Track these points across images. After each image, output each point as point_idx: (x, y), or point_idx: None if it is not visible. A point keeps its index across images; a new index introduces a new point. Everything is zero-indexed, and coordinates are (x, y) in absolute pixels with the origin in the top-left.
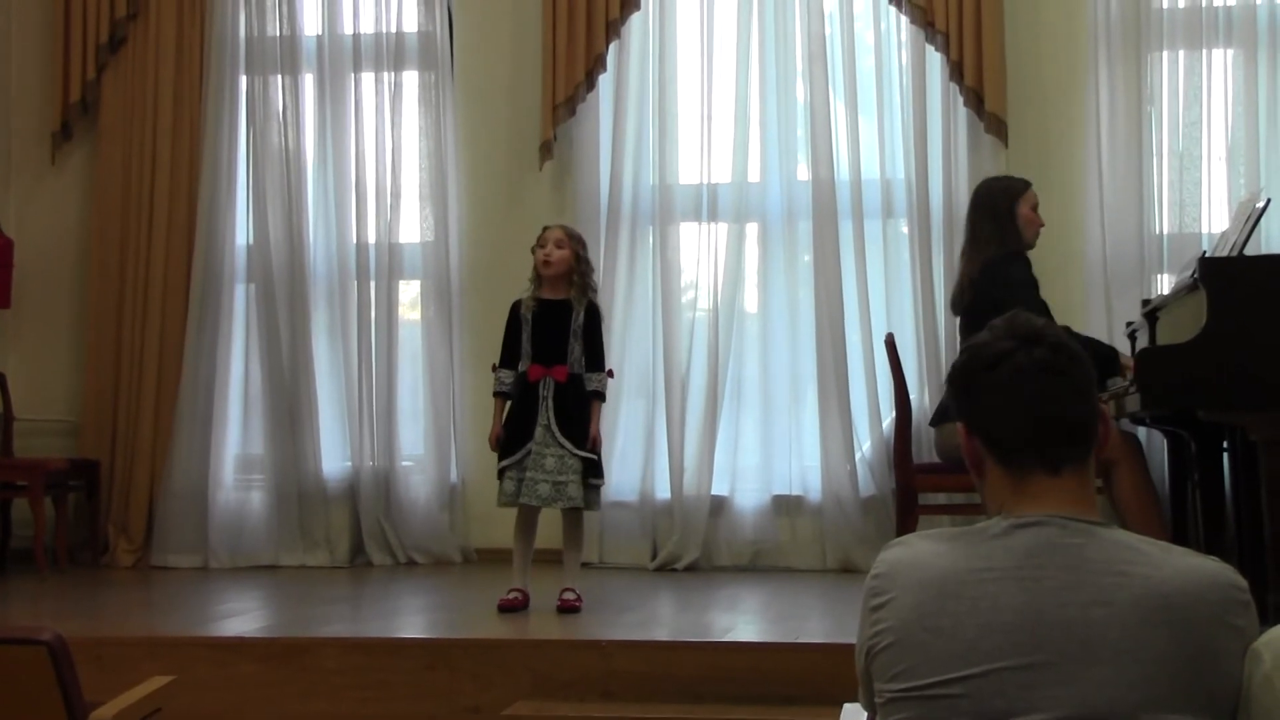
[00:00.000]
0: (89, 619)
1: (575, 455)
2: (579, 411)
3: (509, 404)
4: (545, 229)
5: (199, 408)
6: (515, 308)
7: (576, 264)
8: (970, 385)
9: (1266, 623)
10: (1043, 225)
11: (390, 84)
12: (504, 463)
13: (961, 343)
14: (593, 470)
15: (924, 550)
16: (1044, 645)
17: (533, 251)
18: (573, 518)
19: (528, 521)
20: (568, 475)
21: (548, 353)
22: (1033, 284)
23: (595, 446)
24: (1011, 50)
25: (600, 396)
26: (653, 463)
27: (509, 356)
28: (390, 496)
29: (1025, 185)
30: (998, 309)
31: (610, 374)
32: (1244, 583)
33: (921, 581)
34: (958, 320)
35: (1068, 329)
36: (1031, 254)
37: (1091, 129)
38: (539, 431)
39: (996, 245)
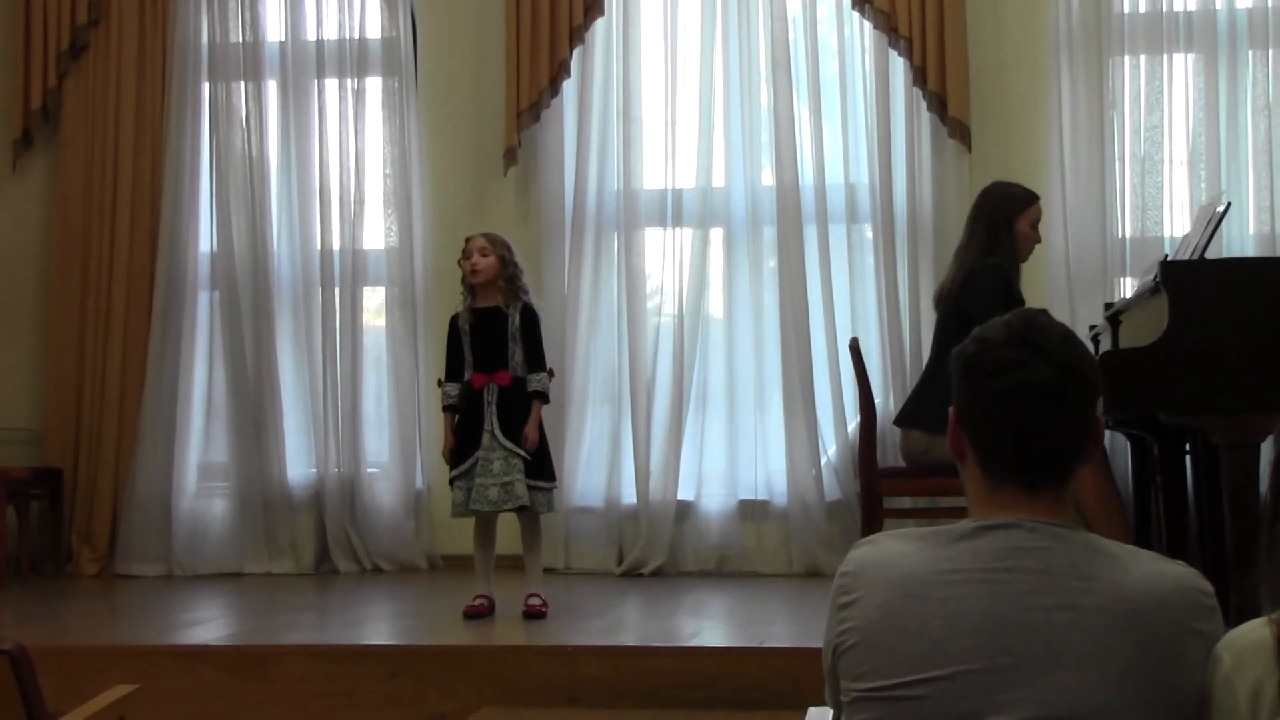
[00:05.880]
0: (52, 628)
1: (519, 455)
2: (523, 414)
3: (457, 416)
4: (468, 239)
5: (162, 416)
6: (453, 321)
7: (503, 268)
8: (971, 382)
9: (1230, 624)
10: (1039, 241)
11: (354, 90)
12: (453, 473)
13: (933, 344)
14: (539, 472)
15: (892, 550)
16: (1009, 648)
17: (459, 263)
18: (529, 521)
19: (485, 528)
20: (513, 475)
21: (489, 360)
22: (1000, 300)
23: (530, 445)
24: (974, 56)
25: (542, 397)
26: (618, 468)
27: (453, 370)
28: (355, 503)
29: (1031, 200)
30: (967, 319)
31: (550, 373)
32: (1209, 588)
33: (888, 581)
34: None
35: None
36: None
37: (1054, 134)
38: (485, 438)
39: (983, 254)
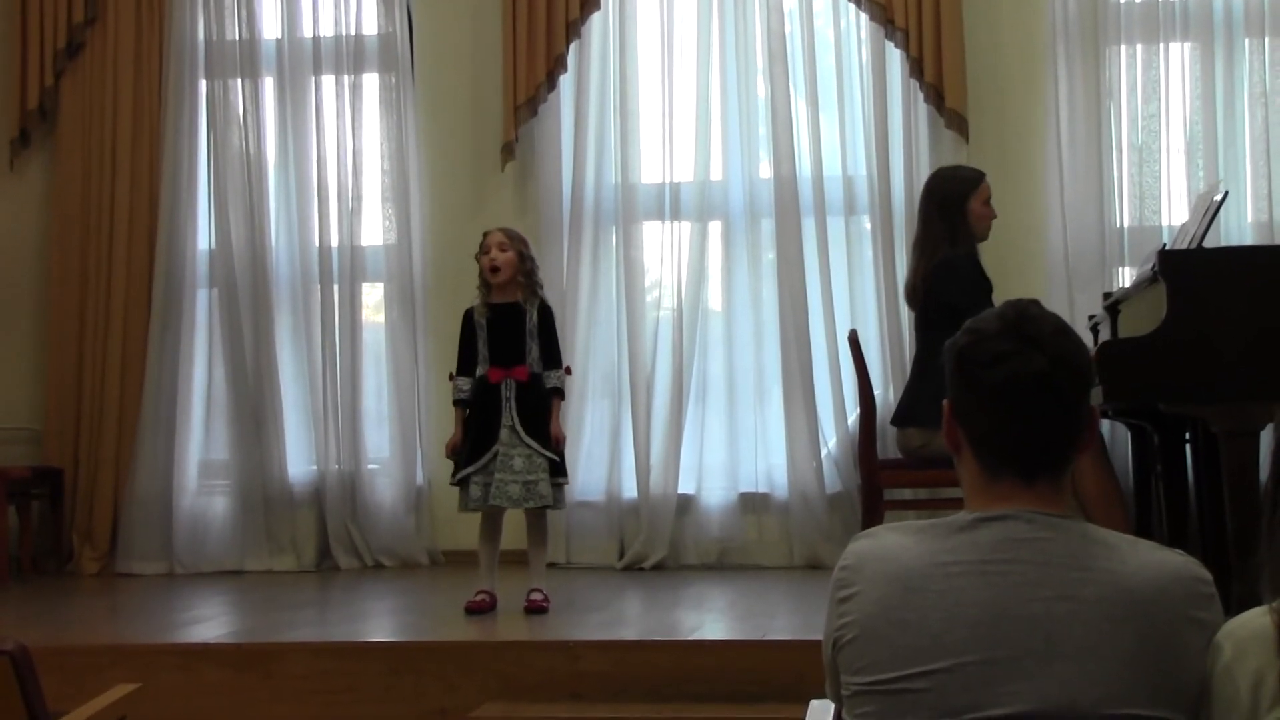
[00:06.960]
0: (53, 627)
1: (543, 455)
2: (542, 411)
3: (468, 411)
4: (485, 234)
5: (162, 414)
6: (468, 315)
7: (521, 264)
8: (963, 373)
9: (1230, 613)
10: (995, 217)
11: (351, 86)
12: (469, 469)
13: (917, 340)
14: (558, 469)
15: (890, 543)
16: (1008, 640)
17: (477, 259)
18: (538, 518)
19: (493, 523)
20: (537, 474)
21: (506, 355)
22: (986, 286)
23: (558, 445)
24: (971, 46)
25: (560, 394)
26: (619, 462)
27: (465, 364)
28: (356, 500)
29: (978, 179)
30: (953, 310)
31: (568, 371)
32: (1208, 575)
33: (887, 575)
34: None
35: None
36: (993, 248)
37: (1051, 123)
38: (504, 433)
39: (948, 243)
